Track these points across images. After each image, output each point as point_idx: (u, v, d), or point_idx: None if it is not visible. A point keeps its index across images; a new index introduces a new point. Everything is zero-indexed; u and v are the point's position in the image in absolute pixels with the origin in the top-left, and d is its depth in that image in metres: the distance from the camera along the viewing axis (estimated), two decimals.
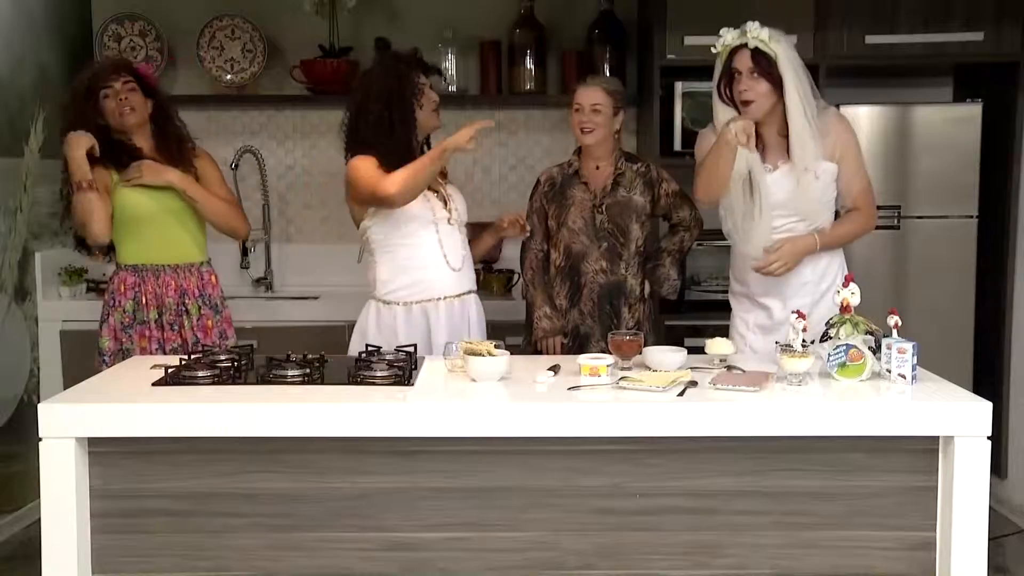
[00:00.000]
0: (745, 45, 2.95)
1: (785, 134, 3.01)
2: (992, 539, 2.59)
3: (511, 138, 4.82)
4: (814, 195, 3.02)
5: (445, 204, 3.27)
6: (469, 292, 3.31)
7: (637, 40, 4.69)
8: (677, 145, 4.35)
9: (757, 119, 3.00)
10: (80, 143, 3.24)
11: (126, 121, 3.34)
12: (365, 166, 3.11)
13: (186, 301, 3.37)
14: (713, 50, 3.05)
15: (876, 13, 4.17)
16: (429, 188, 3.21)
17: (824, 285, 3.12)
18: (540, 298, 3.47)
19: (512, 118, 4.79)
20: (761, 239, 3.06)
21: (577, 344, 3.45)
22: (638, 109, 4.57)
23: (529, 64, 4.64)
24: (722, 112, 3.07)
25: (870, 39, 4.17)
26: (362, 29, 4.71)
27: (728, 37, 2.99)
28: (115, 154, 3.34)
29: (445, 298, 3.23)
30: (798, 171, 3.00)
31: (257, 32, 4.73)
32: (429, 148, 3.31)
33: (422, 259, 3.20)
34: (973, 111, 4.24)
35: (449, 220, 3.25)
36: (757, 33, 2.93)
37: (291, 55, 4.75)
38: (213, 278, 3.49)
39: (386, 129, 3.13)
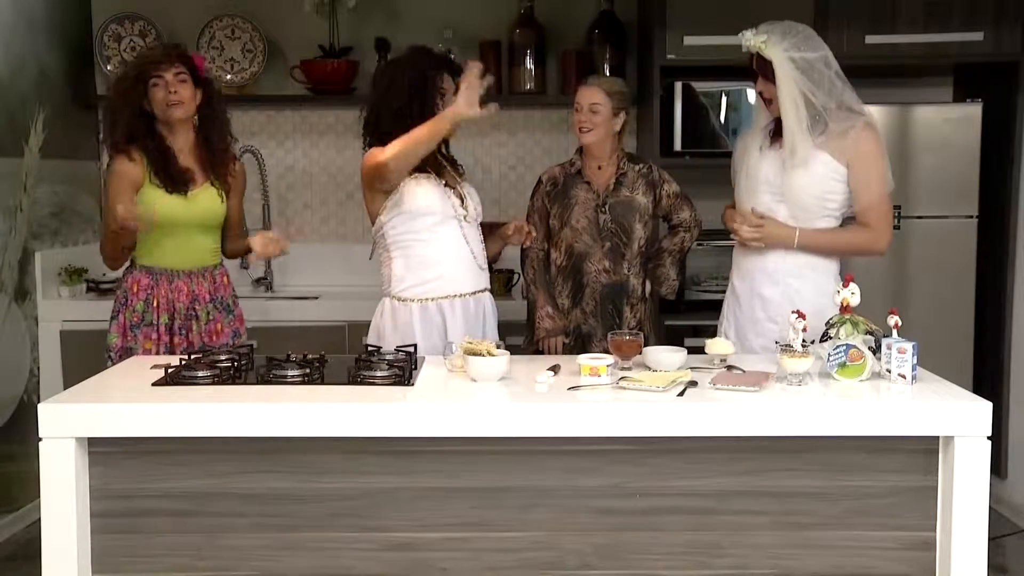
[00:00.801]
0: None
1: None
2: (992, 539, 2.59)
3: (511, 138, 4.82)
4: (800, 182, 3.01)
5: (462, 202, 3.25)
6: (484, 290, 3.27)
7: (637, 40, 4.69)
8: (677, 145, 4.35)
9: (776, 115, 3.04)
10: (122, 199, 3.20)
11: (172, 114, 3.26)
12: (374, 152, 3.10)
13: (196, 307, 3.36)
14: (743, 51, 3.07)
15: (876, 13, 4.16)
16: (446, 184, 3.19)
17: (797, 284, 3.05)
18: (542, 298, 3.47)
19: (512, 118, 4.79)
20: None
21: (579, 344, 3.45)
22: (638, 109, 4.56)
23: (529, 64, 4.64)
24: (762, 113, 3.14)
25: (870, 39, 4.17)
26: (362, 29, 4.71)
27: (744, 42, 3.02)
28: (153, 150, 3.28)
29: (461, 295, 3.19)
30: (785, 155, 3.02)
31: (257, 32, 4.73)
32: (445, 152, 3.28)
33: (439, 256, 3.16)
34: (973, 111, 4.24)
35: (466, 217, 3.22)
36: (752, 40, 2.97)
37: (291, 55, 4.75)
38: (225, 278, 3.46)
39: (405, 124, 3.09)
